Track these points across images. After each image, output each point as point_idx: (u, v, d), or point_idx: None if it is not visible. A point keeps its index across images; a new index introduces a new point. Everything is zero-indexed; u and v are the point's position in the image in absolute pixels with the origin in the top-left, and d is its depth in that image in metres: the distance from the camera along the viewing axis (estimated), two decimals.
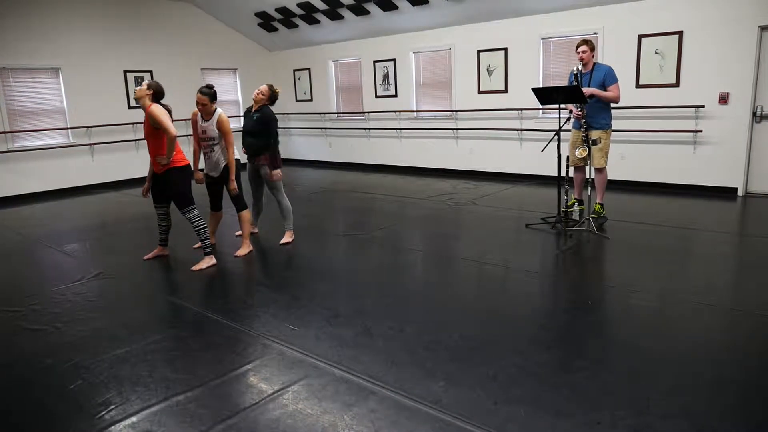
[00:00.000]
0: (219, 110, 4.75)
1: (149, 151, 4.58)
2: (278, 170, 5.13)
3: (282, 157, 5.54)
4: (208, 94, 4.61)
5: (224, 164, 4.83)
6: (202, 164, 4.95)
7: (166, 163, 4.49)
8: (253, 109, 5.19)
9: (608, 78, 5.33)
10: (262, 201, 5.64)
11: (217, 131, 4.71)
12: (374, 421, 2.37)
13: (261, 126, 5.10)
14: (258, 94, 5.14)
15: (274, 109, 5.27)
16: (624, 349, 2.96)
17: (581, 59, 5.37)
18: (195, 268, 4.60)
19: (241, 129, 5.34)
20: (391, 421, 2.36)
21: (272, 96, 5.18)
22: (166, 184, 4.62)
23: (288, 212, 5.37)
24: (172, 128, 4.40)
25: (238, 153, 5.04)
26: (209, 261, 4.69)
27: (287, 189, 5.59)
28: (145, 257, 4.98)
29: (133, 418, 2.48)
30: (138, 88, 4.50)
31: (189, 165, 4.68)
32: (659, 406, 2.39)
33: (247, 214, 5.04)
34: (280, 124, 12.74)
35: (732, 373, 2.67)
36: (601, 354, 2.93)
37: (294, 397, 2.60)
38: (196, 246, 5.18)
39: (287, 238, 5.37)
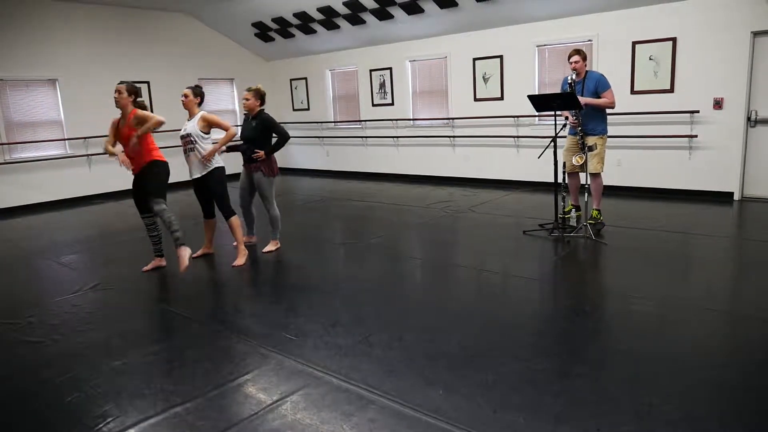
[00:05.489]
0: (202, 111, 4.89)
1: (125, 152, 4.62)
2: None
3: (279, 166, 5.55)
4: (195, 91, 4.88)
5: (210, 167, 4.87)
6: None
7: (140, 134, 4.46)
8: (251, 116, 5.21)
9: (600, 85, 5.36)
10: (251, 210, 5.57)
11: (198, 130, 4.79)
12: (373, 431, 2.36)
13: (258, 133, 5.12)
14: (245, 103, 5.17)
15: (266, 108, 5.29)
16: (623, 355, 2.96)
17: (574, 69, 5.41)
18: (182, 269, 4.51)
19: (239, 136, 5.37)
20: (390, 431, 2.36)
21: (262, 98, 5.19)
22: (144, 178, 4.65)
23: (276, 221, 5.37)
24: (160, 116, 4.51)
25: (219, 158, 5.03)
26: (185, 252, 4.55)
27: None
28: (144, 269, 4.96)
29: (132, 431, 2.47)
30: (118, 96, 4.51)
31: (167, 163, 4.74)
32: (660, 412, 2.38)
33: (236, 220, 5.03)
34: None
35: (733, 377, 2.67)
36: (601, 360, 2.93)
37: (293, 407, 2.59)
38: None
39: (271, 246, 5.37)
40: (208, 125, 4.85)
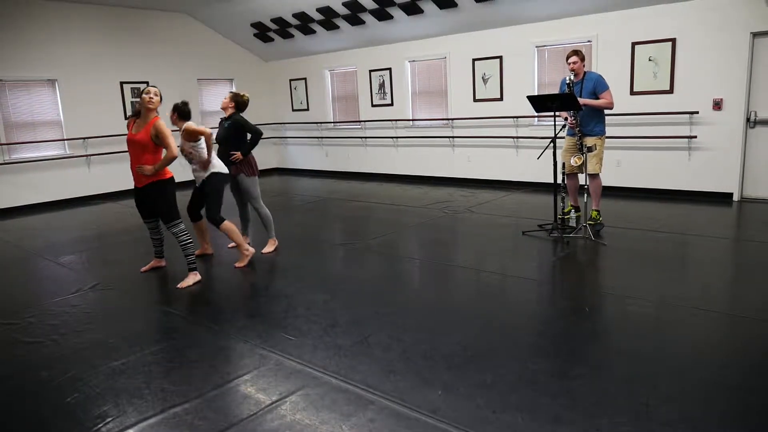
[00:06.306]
0: (188, 122, 4.86)
1: (131, 160, 4.43)
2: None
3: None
4: (179, 109, 4.85)
5: (205, 173, 4.87)
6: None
7: (149, 173, 4.35)
8: (225, 119, 5.25)
9: (599, 86, 5.37)
10: (247, 210, 5.56)
11: (184, 141, 4.80)
12: (373, 431, 2.36)
13: (230, 133, 5.11)
14: (222, 101, 5.26)
15: (256, 117, 5.29)
16: (622, 356, 2.96)
17: (572, 69, 5.43)
18: (181, 285, 4.45)
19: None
20: (389, 431, 2.36)
21: (237, 103, 5.20)
22: (149, 197, 4.52)
23: (268, 220, 5.36)
24: (176, 149, 4.34)
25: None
26: (194, 277, 4.55)
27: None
28: (142, 269, 4.96)
29: (131, 431, 2.47)
30: (151, 97, 4.31)
31: (173, 177, 4.56)
32: (658, 412, 2.39)
33: (227, 225, 4.90)
34: (276, 133, 12.74)
35: (731, 379, 2.68)
36: (600, 360, 2.93)
37: (292, 408, 2.59)
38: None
39: (270, 247, 5.38)
40: (189, 135, 4.79)
